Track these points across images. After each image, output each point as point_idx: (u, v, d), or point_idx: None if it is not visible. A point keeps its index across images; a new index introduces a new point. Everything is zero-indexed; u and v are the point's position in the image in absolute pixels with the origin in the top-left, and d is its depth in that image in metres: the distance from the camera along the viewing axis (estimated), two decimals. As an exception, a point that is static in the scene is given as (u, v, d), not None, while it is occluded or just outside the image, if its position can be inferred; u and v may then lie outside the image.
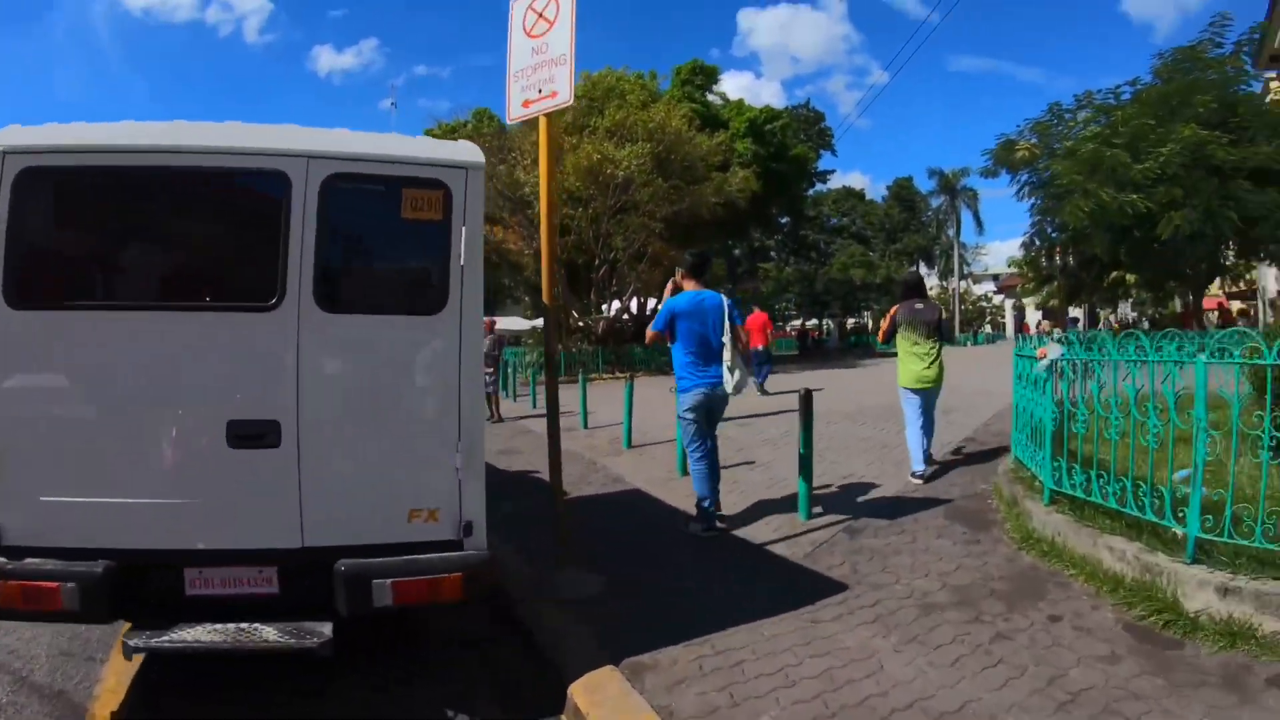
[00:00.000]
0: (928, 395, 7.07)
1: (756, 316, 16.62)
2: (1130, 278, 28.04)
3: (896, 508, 6.08)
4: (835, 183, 57.54)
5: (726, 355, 5.47)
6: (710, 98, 33.48)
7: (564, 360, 24.18)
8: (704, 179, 25.43)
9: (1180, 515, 3.90)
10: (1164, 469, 4.13)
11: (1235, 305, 37.09)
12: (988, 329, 66.77)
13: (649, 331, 6.03)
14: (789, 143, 33.81)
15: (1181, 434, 4.07)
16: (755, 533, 5.67)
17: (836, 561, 4.92)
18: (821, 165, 42.52)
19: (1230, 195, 18.30)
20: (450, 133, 27.58)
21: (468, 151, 3.59)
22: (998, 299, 72.90)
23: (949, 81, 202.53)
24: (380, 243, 3.72)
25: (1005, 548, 5.04)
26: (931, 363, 6.98)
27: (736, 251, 45.98)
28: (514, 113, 4.88)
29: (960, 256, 63.01)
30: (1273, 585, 3.47)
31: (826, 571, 4.75)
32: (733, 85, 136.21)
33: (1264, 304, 35.16)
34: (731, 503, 6.54)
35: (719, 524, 5.75)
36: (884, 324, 7.62)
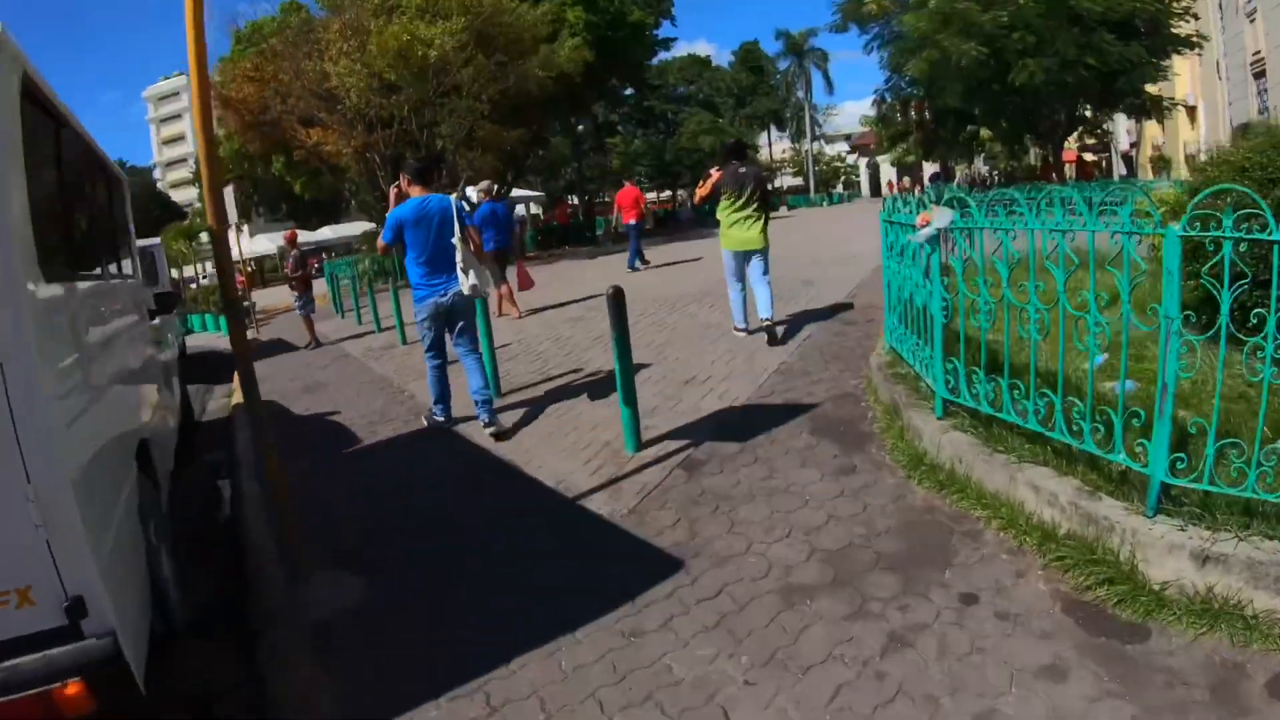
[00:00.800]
0: (751, 257, 7.02)
1: (628, 191, 16.16)
2: (985, 133, 28.34)
3: (748, 422, 4.90)
4: (680, 51, 55.43)
5: (459, 257, 5.25)
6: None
7: (396, 266, 22.10)
8: (531, 52, 23.08)
9: (1138, 448, 2.75)
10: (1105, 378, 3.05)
11: (1088, 158, 38.34)
12: (841, 189, 67.47)
13: (379, 243, 5.70)
14: (625, 9, 31.42)
15: (1135, 334, 2.92)
16: (570, 476, 4.45)
17: (669, 520, 3.70)
18: (662, 33, 40.40)
19: (1092, 45, 17.87)
20: (256, 30, 25.03)
21: None
22: (851, 159, 73.37)
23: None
24: None
25: (890, 477, 3.86)
26: (753, 224, 6.97)
27: (581, 128, 43.54)
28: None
29: (812, 118, 62.69)
30: (1269, 548, 2.42)
31: (655, 539, 3.54)
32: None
33: (1117, 156, 36.42)
34: (548, 427, 5.44)
35: (443, 424, 5.78)
36: (701, 189, 7.60)
